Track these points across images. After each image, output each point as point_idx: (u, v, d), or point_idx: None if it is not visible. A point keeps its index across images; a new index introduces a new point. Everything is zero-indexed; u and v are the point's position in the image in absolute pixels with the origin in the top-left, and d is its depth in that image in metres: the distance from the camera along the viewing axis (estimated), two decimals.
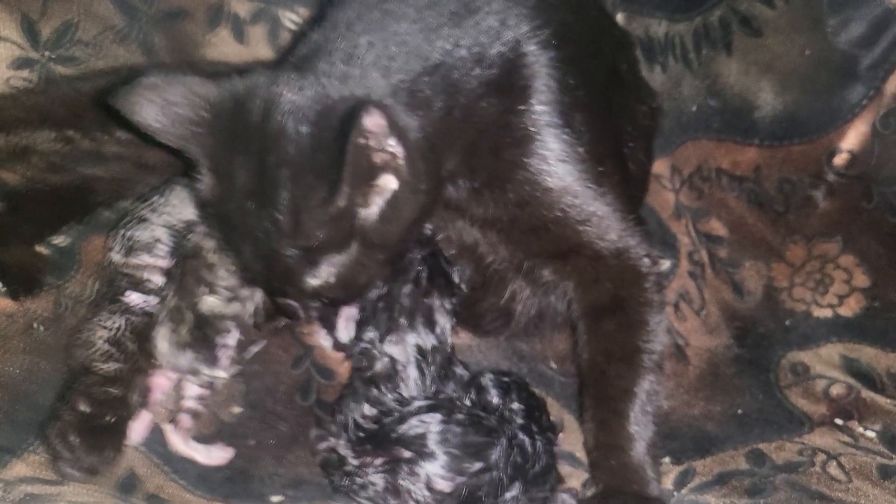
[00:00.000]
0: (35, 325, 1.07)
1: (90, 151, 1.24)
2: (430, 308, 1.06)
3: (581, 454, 1.07)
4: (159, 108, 0.89)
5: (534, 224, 1.03)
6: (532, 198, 1.01)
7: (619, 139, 1.16)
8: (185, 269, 1.06)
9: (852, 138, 1.23)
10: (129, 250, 1.11)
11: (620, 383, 1.03)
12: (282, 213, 0.86)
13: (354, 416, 1.00)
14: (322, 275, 0.91)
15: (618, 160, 1.13)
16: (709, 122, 1.37)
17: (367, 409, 0.99)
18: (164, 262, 1.10)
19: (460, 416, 0.94)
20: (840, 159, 1.24)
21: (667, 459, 1.06)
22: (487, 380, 1.06)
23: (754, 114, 1.31)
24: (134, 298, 1.07)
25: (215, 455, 1.01)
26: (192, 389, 1.04)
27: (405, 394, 1.01)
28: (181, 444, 1.01)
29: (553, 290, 1.11)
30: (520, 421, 1.01)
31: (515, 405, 1.03)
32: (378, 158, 0.85)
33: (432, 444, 0.91)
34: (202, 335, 1.03)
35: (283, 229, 0.86)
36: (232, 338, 1.07)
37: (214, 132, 0.90)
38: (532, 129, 0.99)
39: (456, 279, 1.11)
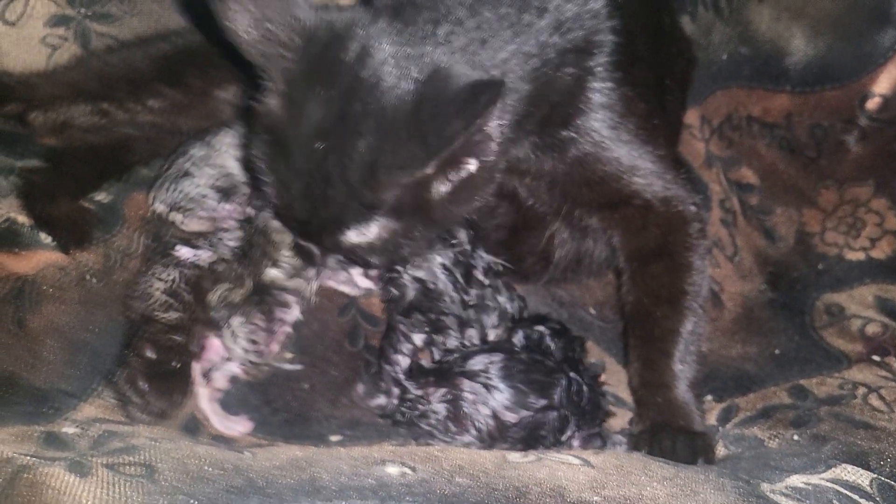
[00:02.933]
0: (88, 276, 1.08)
1: (125, 122, 1.26)
2: None
3: (625, 394, 1.10)
4: (253, 19, 0.84)
5: (588, 178, 1.05)
6: (591, 155, 1.03)
7: (662, 91, 1.17)
8: (254, 241, 1.08)
9: (885, 82, 1.24)
10: (175, 206, 1.13)
11: (666, 324, 1.06)
12: (356, 162, 0.82)
13: (401, 364, 1.03)
14: (369, 235, 0.88)
15: (662, 112, 1.15)
16: (739, 70, 1.38)
17: (417, 339, 1.03)
18: (212, 214, 1.13)
19: (522, 356, 0.97)
20: (872, 104, 1.25)
21: (709, 397, 1.09)
22: (520, 336, 1.08)
23: (786, 60, 1.33)
24: (184, 252, 1.09)
25: (231, 426, 1.01)
26: (240, 353, 1.05)
27: (448, 308, 1.05)
28: (205, 400, 1.02)
29: (594, 235, 1.14)
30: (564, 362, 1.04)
31: (553, 347, 1.06)
32: (478, 140, 0.84)
33: (496, 378, 0.93)
34: (260, 301, 1.05)
35: (351, 180, 0.83)
36: (292, 315, 1.09)
37: (301, 59, 0.86)
38: (599, 86, 1.00)
39: None
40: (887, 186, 1.25)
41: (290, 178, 0.87)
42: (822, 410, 0.98)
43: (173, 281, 1.05)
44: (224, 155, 1.14)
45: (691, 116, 1.42)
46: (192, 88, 1.25)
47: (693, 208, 1.08)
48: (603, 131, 1.01)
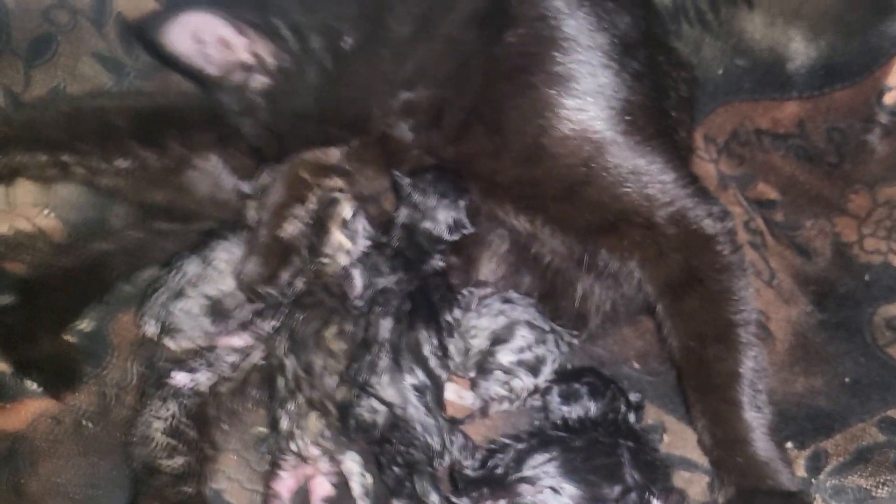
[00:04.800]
0: (84, 422, 0.99)
1: (81, 181, 1.16)
2: (416, 342, 0.97)
3: (694, 455, 0.99)
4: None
5: (559, 186, 0.95)
6: (541, 148, 0.93)
7: (663, 98, 1.07)
8: (311, 364, 0.95)
9: None
10: (167, 329, 1.02)
11: (722, 367, 0.95)
12: None
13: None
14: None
15: (662, 117, 1.03)
16: (739, 84, 1.31)
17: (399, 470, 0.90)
18: (206, 335, 1.02)
19: (578, 444, 0.86)
20: (890, 98, 1.18)
21: (789, 445, 0.98)
22: (555, 394, 0.99)
23: (787, 66, 1.26)
24: (180, 379, 0.99)
25: None
26: (324, 488, 0.94)
27: (418, 439, 0.92)
28: None
29: (622, 278, 1.03)
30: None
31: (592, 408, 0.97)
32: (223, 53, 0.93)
33: (560, 477, 0.83)
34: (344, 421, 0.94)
35: None
36: None
37: None
38: (549, 65, 0.93)
39: (448, 317, 1.02)
40: None
41: None
42: None
43: (172, 416, 0.94)
44: (223, 273, 1.02)
45: (694, 138, 1.34)
46: (169, 152, 1.15)
47: (710, 221, 0.96)
48: (551, 115, 0.93)
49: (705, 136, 1.35)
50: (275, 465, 0.95)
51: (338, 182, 1.06)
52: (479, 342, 1.03)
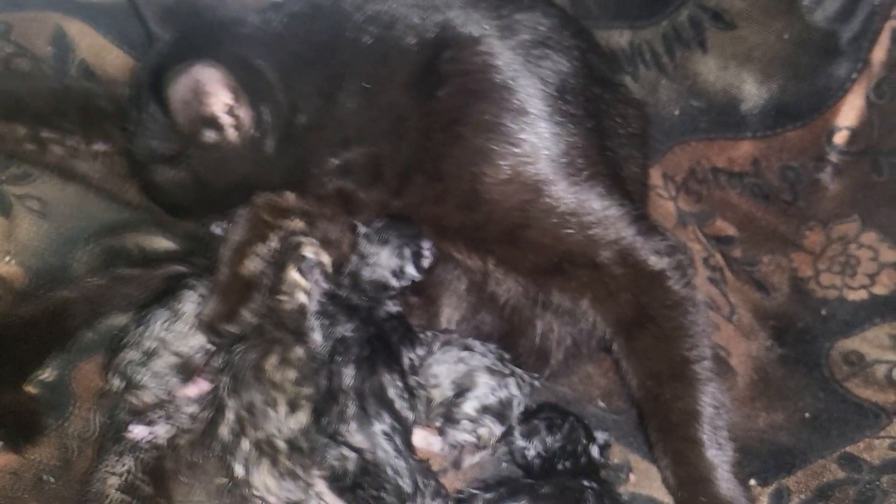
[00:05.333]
0: (44, 477, 0.97)
1: (57, 162, 1.14)
2: (380, 385, 0.97)
3: (660, 494, 1.01)
4: None
5: (500, 230, 0.97)
6: (478, 194, 0.95)
7: (608, 137, 1.08)
8: (252, 402, 0.94)
9: (848, 114, 1.20)
10: (133, 385, 1.01)
11: (680, 405, 0.96)
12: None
13: None
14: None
15: (604, 157, 1.03)
16: (695, 124, 1.33)
17: None
18: (172, 393, 1.01)
19: (546, 490, 0.87)
20: (840, 137, 1.21)
21: (752, 482, 1.00)
22: (517, 434, 1.01)
23: (741, 107, 1.28)
24: (138, 432, 0.98)
25: None
26: None
27: (389, 483, 0.92)
28: None
29: (578, 316, 1.04)
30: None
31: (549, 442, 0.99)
32: (209, 113, 0.93)
33: None
34: (300, 455, 0.93)
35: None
36: None
37: None
38: (474, 114, 0.96)
39: (410, 356, 1.03)
40: (873, 218, 1.20)
41: None
42: (885, 481, 0.91)
43: (128, 472, 0.94)
44: (193, 328, 1.02)
45: (653, 176, 1.37)
46: None
47: (656, 258, 0.97)
48: (482, 161, 0.94)
49: (664, 174, 1.38)
50: None
51: (299, 223, 1.06)
52: (440, 392, 1.03)
